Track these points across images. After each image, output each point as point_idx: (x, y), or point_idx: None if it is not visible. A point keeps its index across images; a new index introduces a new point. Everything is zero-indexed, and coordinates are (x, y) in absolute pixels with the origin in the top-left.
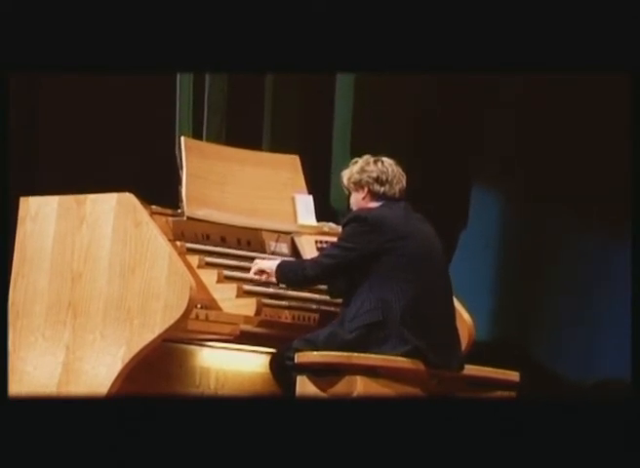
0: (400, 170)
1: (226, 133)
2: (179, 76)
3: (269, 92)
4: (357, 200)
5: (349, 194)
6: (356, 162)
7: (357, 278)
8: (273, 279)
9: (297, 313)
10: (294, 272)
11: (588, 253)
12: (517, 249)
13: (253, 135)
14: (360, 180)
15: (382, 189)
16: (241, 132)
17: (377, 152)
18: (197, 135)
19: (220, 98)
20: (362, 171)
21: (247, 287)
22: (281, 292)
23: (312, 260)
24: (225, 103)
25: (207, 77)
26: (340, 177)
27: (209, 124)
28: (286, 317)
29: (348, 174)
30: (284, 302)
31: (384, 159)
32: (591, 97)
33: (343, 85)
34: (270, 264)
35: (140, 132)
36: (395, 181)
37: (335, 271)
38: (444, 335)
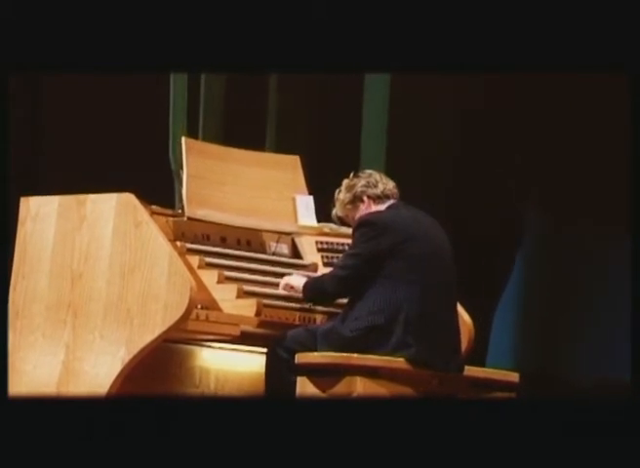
0: (381, 173)
1: (225, 134)
2: (172, 76)
3: (273, 92)
4: (362, 212)
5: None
6: (339, 191)
7: (364, 279)
8: (299, 295)
9: (297, 314)
10: (316, 291)
11: (584, 248)
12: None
13: (254, 136)
14: (354, 195)
15: (378, 190)
16: (241, 133)
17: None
18: (192, 136)
19: (218, 99)
20: (350, 188)
21: (247, 287)
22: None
23: (330, 275)
24: (223, 104)
25: (202, 76)
26: (334, 218)
27: (205, 125)
28: (286, 318)
29: (339, 203)
30: (284, 303)
31: (361, 171)
32: (591, 99)
33: (375, 85)
34: (298, 282)
35: (141, 131)
36: (384, 179)
37: (353, 281)
38: (446, 340)
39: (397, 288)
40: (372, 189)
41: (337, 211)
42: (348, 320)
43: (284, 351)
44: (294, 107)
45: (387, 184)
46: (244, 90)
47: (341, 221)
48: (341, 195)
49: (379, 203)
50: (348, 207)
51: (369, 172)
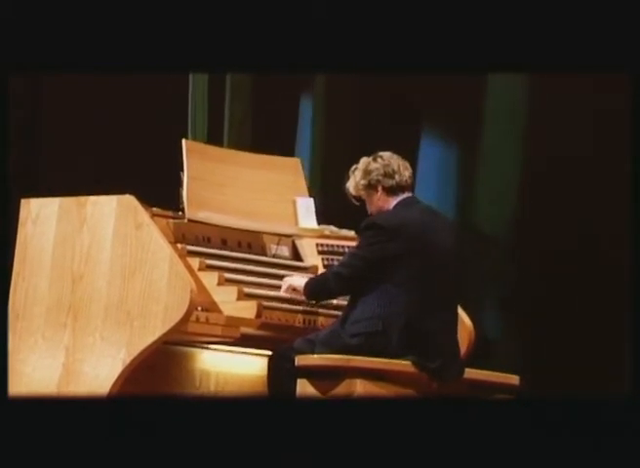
0: (400, 158)
1: (252, 139)
2: (191, 78)
3: (319, 95)
4: (374, 202)
5: (360, 201)
6: (355, 169)
7: (366, 282)
8: (302, 297)
9: (297, 316)
10: (318, 288)
11: (584, 248)
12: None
13: (284, 141)
14: (369, 183)
15: (394, 181)
16: (270, 139)
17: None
18: (214, 141)
19: (243, 104)
20: (366, 173)
21: (247, 289)
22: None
23: (333, 273)
24: (250, 109)
25: (227, 80)
26: (347, 192)
27: (230, 130)
28: (287, 320)
29: (353, 183)
30: (284, 305)
31: (381, 153)
32: (591, 99)
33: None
34: (299, 282)
35: (142, 133)
36: (402, 169)
37: (356, 281)
38: (445, 347)
39: (398, 294)
40: (388, 180)
41: (349, 187)
42: (348, 322)
43: (286, 362)
44: (330, 112)
45: (403, 175)
46: (273, 93)
47: (353, 197)
48: (357, 177)
49: (392, 195)
50: (362, 191)
51: (387, 157)
